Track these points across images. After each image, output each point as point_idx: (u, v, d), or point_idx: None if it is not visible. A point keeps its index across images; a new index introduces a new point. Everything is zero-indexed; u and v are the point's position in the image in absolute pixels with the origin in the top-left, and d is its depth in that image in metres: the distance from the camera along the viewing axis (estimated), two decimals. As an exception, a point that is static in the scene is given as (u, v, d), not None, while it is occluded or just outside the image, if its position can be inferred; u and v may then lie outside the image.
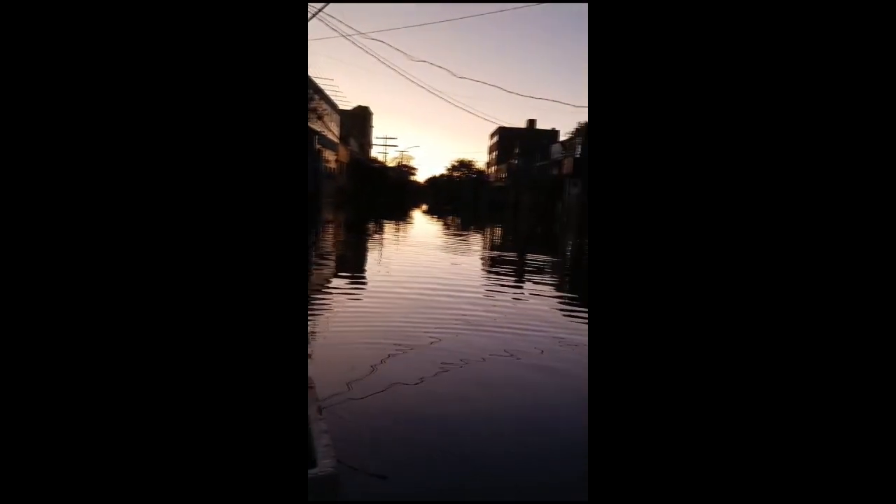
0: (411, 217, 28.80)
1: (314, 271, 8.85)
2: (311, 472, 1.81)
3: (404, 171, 60.04)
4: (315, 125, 27.41)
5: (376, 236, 16.06)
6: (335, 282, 7.85)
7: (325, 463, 1.87)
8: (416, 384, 3.57)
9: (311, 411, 2.30)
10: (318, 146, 29.58)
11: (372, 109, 61.18)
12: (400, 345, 4.45)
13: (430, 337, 4.78)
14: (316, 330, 4.90)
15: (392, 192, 46.76)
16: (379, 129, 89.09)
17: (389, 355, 4.16)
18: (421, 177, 74.56)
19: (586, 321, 6.16)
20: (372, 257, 11.18)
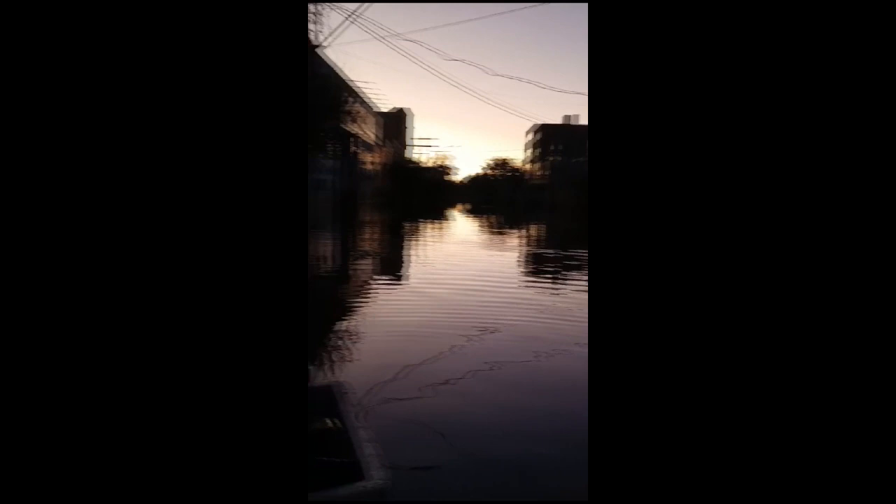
0: (449, 217, 28.78)
1: (352, 271, 8.87)
2: (360, 484, 1.75)
3: (440, 170, 60.13)
4: (351, 128, 27.73)
5: (413, 236, 16.07)
6: (372, 281, 7.84)
7: (375, 475, 1.80)
8: (452, 384, 3.47)
9: (350, 419, 2.23)
10: (353, 149, 29.92)
11: (413, 110, 61.67)
12: (440, 342, 4.36)
13: (469, 336, 4.67)
14: (356, 329, 4.86)
15: (427, 193, 46.87)
16: (419, 130, 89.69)
17: (437, 355, 4.07)
18: (461, 176, 74.49)
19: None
20: (408, 257, 11.16)
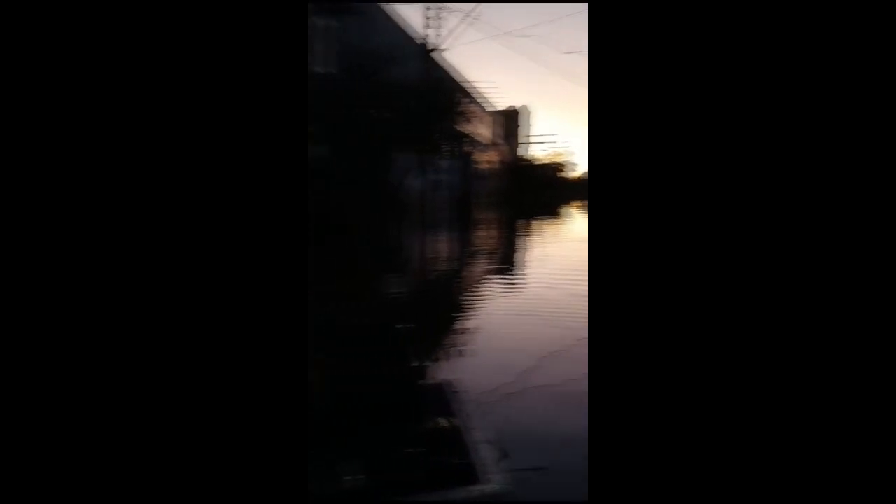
0: (564, 214, 28.08)
1: (469, 268, 8.96)
2: (475, 487, 1.73)
3: (555, 167, 58.76)
4: (466, 128, 28.07)
5: (527, 233, 15.89)
6: (488, 277, 7.86)
7: (492, 478, 1.77)
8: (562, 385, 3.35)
9: (464, 418, 2.22)
10: (468, 149, 30.26)
11: (529, 107, 60.75)
12: (562, 335, 4.25)
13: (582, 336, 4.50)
14: (473, 326, 4.89)
15: (541, 190, 45.97)
16: (536, 126, 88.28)
17: (557, 351, 3.98)
18: (580, 172, 72.17)
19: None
20: (524, 253, 11.04)
